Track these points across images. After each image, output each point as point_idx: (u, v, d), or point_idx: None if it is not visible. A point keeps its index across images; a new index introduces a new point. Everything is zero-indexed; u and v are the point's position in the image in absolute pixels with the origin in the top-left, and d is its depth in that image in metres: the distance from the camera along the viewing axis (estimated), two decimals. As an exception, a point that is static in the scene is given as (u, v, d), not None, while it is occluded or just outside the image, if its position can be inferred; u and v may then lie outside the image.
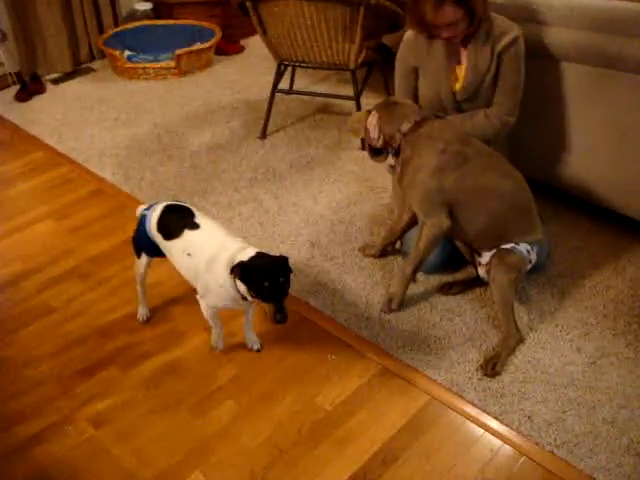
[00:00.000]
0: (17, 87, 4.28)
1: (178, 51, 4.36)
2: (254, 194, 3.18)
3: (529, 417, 2.08)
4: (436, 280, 2.60)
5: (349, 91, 3.59)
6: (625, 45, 2.36)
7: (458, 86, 2.50)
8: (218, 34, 4.62)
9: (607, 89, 2.51)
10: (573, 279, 2.60)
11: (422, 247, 2.37)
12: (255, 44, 4.80)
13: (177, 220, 2.16)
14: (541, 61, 2.61)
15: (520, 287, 2.48)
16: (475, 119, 2.49)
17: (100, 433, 2.07)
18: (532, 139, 2.81)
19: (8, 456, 2.01)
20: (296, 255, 2.76)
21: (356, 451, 2.00)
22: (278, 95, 3.63)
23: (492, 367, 2.21)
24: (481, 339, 2.36)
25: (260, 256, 1.97)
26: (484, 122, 2.48)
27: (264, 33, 3.37)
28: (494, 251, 2.31)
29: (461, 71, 2.49)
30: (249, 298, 1.97)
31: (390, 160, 2.49)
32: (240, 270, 1.92)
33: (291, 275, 1.97)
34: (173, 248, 2.15)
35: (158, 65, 4.40)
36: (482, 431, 2.06)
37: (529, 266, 2.35)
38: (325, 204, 3.09)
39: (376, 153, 2.56)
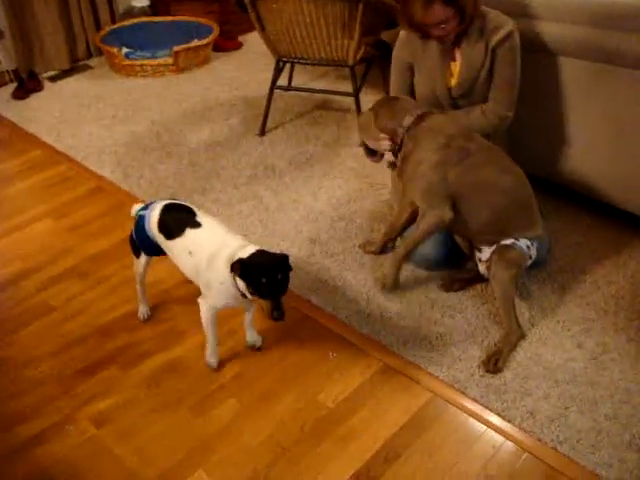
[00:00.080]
0: (14, 85, 4.27)
1: (176, 48, 4.34)
2: (254, 191, 3.17)
3: (531, 413, 2.08)
4: (437, 277, 2.59)
5: (348, 87, 3.58)
6: (623, 40, 2.35)
7: (453, 82, 2.50)
8: (216, 30, 4.61)
9: (605, 84, 2.50)
10: (574, 275, 2.59)
11: (419, 234, 2.37)
12: (253, 40, 4.78)
13: (178, 219, 2.15)
14: (539, 56, 2.61)
15: (521, 283, 2.48)
16: (472, 115, 2.49)
17: (101, 432, 2.07)
18: (532, 135, 2.80)
19: (9, 456, 2.00)
20: (296, 252, 2.75)
21: (358, 448, 2.00)
22: (276, 92, 3.62)
23: (494, 363, 2.21)
24: (483, 335, 2.35)
25: (260, 253, 1.97)
26: (481, 118, 2.48)
27: (262, 30, 3.35)
28: (494, 247, 2.31)
29: (456, 67, 2.49)
30: (248, 296, 1.96)
31: (390, 156, 2.48)
32: (239, 267, 1.91)
33: (290, 273, 1.97)
34: (175, 247, 2.14)
35: (156, 62, 4.38)
36: (484, 428, 2.05)
37: (529, 262, 2.34)
38: (325, 201, 3.08)
39: (372, 152, 2.56)
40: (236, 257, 1.95)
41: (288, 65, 3.81)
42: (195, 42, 4.45)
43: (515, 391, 2.15)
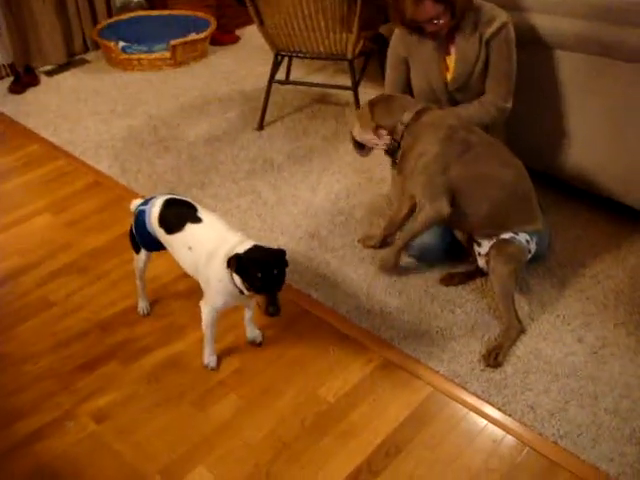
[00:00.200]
0: (10, 79, 4.26)
1: (173, 42, 4.33)
2: (252, 186, 3.16)
3: (532, 408, 2.08)
4: (437, 271, 2.59)
5: (346, 81, 3.57)
6: (622, 33, 2.35)
7: (449, 76, 2.51)
8: (213, 24, 4.59)
9: (604, 78, 2.50)
10: (573, 269, 2.59)
11: (417, 227, 2.38)
12: (250, 34, 4.77)
13: (179, 214, 2.14)
14: (538, 50, 2.61)
15: (520, 277, 2.48)
16: (470, 109, 2.49)
17: (101, 428, 2.06)
18: (530, 128, 2.80)
19: (9, 453, 2.00)
20: (296, 247, 2.75)
21: (359, 443, 1.99)
22: (274, 85, 3.61)
23: (494, 358, 2.21)
24: (483, 330, 2.35)
25: (256, 248, 1.96)
26: (480, 110, 2.48)
27: (261, 24, 3.34)
28: (493, 241, 2.31)
29: (451, 61, 2.49)
30: (245, 292, 1.96)
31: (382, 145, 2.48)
32: (235, 262, 1.91)
33: (287, 268, 1.96)
34: (175, 242, 2.14)
35: (153, 56, 4.36)
36: (485, 422, 2.06)
37: (529, 256, 2.34)
38: (324, 195, 3.07)
39: (360, 146, 2.56)
40: (233, 253, 1.95)
41: (286, 59, 3.79)
42: (192, 36, 4.43)
43: (515, 385, 2.15)
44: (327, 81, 4.00)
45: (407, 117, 2.35)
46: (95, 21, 4.64)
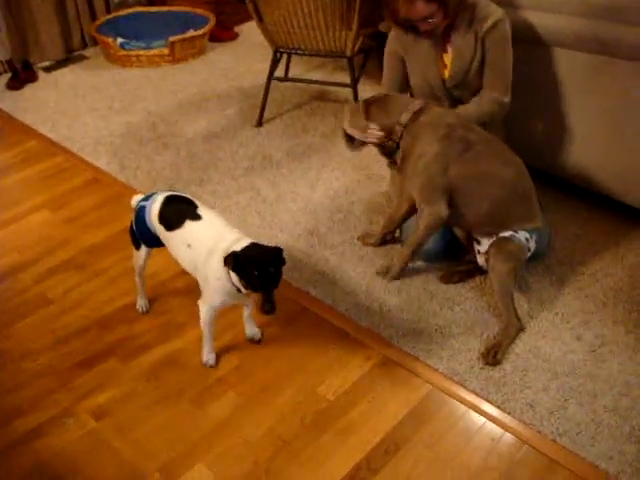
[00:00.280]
0: (8, 75, 4.24)
1: (172, 38, 4.31)
2: (251, 183, 3.16)
3: (531, 405, 2.08)
4: (436, 269, 2.59)
5: (345, 78, 3.57)
6: (621, 32, 2.35)
7: (447, 73, 2.51)
8: (212, 21, 4.58)
9: (603, 76, 2.50)
10: (572, 267, 2.59)
11: (420, 235, 2.39)
12: (249, 30, 4.76)
13: (179, 210, 2.14)
14: (537, 48, 2.61)
15: (519, 275, 2.48)
16: (469, 107, 2.48)
17: (101, 425, 2.06)
18: (530, 127, 2.80)
19: (7, 450, 1.99)
20: (295, 244, 2.75)
21: (359, 441, 1.99)
22: (273, 82, 3.60)
23: (493, 356, 2.21)
24: (482, 328, 2.35)
25: (253, 246, 1.96)
26: (478, 107, 2.47)
27: (260, 21, 3.33)
28: (493, 239, 2.31)
29: (448, 59, 2.50)
30: (242, 289, 1.96)
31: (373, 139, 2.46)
32: (232, 260, 1.91)
33: (283, 267, 1.96)
34: (174, 239, 2.13)
35: (151, 52, 4.35)
36: (484, 420, 2.06)
37: (528, 254, 2.34)
38: (323, 192, 3.07)
39: (351, 140, 2.53)
40: (230, 251, 1.95)
41: (285, 56, 3.78)
42: (191, 32, 4.42)
43: (514, 383, 2.15)
44: (326, 78, 3.99)
45: (405, 118, 2.34)
46: (93, 17, 4.63)
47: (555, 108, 2.68)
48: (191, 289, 2.19)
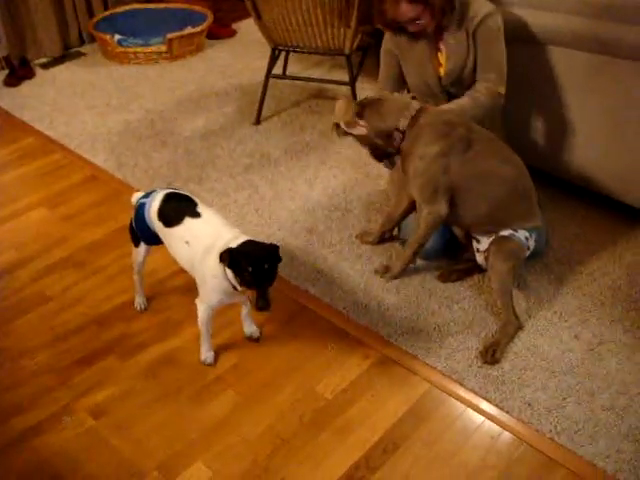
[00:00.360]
0: (6, 72, 4.23)
1: (169, 35, 4.30)
2: (249, 180, 3.15)
3: (529, 404, 2.08)
4: (435, 267, 2.59)
5: (343, 76, 3.57)
6: (621, 31, 2.35)
7: (442, 71, 2.52)
8: (209, 18, 4.56)
9: (603, 76, 2.50)
10: (570, 266, 2.60)
11: (421, 234, 2.39)
12: (247, 28, 4.75)
13: (178, 207, 2.14)
14: (537, 48, 2.60)
15: (518, 274, 2.48)
16: (463, 100, 2.46)
17: (99, 423, 2.06)
18: (529, 126, 2.80)
19: (6, 448, 1.99)
20: (293, 242, 2.74)
21: (357, 440, 2.00)
22: (271, 80, 3.59)
23: (492, 354, 2.21)
24: (480, 326, 2.35)
25: (249, 243, 1.96)
26: (472, 100, 2.44)
27: (258, 18, 3.32)
28: (492, 238, 2.31)
29: (442, 58, 2.51)
30: (238, 287, 1.96)
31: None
32: (228, 256, 1.91)
33: (279, 264, 1.96)
34: (172, 236, 2.13)
35: (149, 49, 4.34)
36: (482, 418, 2.06)
37: (527, 253, 2.35)
38: (321, 190, 3.07)
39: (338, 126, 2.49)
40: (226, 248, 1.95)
41: (283, 53, 3.78)
42: (189, 29, 4.41)
43: (513, 382, 2.15)
44: (324, 76, 3.98)
45: (403, 123, 2.31)
46: (91, 14, 4.61)
47: (555, 108, 2.68)
48: (189, 287, 2.19)
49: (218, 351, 2.27)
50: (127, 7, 4.74)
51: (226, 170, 3.24)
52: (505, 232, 2.29)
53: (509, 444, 1.99)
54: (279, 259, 1.96)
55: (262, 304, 1.90)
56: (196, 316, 2.15)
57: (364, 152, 2.73)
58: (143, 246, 2.28)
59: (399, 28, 2.46)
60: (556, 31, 2.51)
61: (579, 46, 2.49)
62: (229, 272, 1.94)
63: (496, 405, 2.08)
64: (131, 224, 2.27)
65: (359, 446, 1.98)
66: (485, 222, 2.32)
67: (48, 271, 2.65)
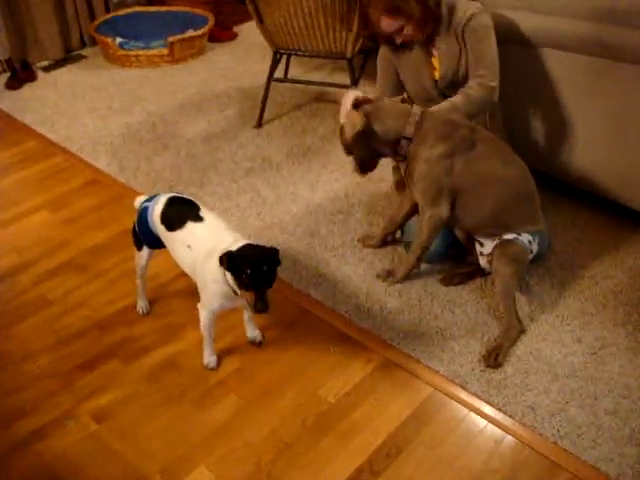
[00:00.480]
0: (7, 75, 4.22)
1: (171, 38, 4.30)
2: (251, 184, 3.15)
3: (532, 408, 2.08)
4: (437, 271, 2.59)
5: (344, 79, 3.57)
6: (625, 35, 2.36)
7: (437, 75, 2.54)
8: (211, 21, 4.57)
9: (606, 79, 2.50)
10: (573, 270, 2.60)
11: (424, 238, 2.39)
12: (248, 31, 4.76)
13: (181, 212, 2.14)
14: (540, 51, 2.61)
15: (521, 278, 2.48)
16: (455, 97, 2.44)
17: (102, 428, 2.05)
18: (532, 129, 2.80)
19: (9, 453, 1.99)
20: (295, 245, 2.75)
21: (361, 444, 2.00)
22: (272, 83, 3.59)
23: (494, 358, 2.21)
24: (482, 330, 2.35)
25: (248, 246, 1.96)
26: (465, 97, 2.42)
27: (260, 22, 3.33)
28: (496, 242, 2.31)
29: (436, 62, 2.53)
30: (238, 292, 1.96)
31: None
32: (227, 259, 1.91)
33: (278, 267, 1.96)
34: (174, 240, 2.13)
35: (150, 52, 4.34)
36: (485, 422, 2.06)
37: (531, 257, 2.35)
38: (323, 194, 3.07)
39: None
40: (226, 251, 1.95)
41: (284, 56, 3.78)
42: (190, 32, 4.41)
43: (515, 386, 2.15)
44: (325, 79, 3.99)
45: (409, 130, 2.29)
46: (92, 17, 4.62)
47: (557, 111, 2.68)
48: (192, 291, 2.19)
49: (221, 355, 2.27)
50: (129, 10, 4.75)
51: (228, 173, 3.24)
52: (509, 236, 2.29)
53: (512, 448, 1.99)
54: (278, 262, 1.96)
55: (261, 306, 1.90)
56: (198, 320, 2.15)
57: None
58: (146, 250, 2.28)
59: (388, 39, 2.50)
60: (560, 35, 2.51)
61: (582, 50, 2.50)
62: (229, 276, 1.94)
63: (499, 409, 2.08)
64: (134, 228, 2.27)
65: (362, 450, 1.98)
66: (488, 225, 2.32)
67: (50, 275, 2.65)
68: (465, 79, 2.49)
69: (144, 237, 2.24)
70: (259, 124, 3.62)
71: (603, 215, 2.84)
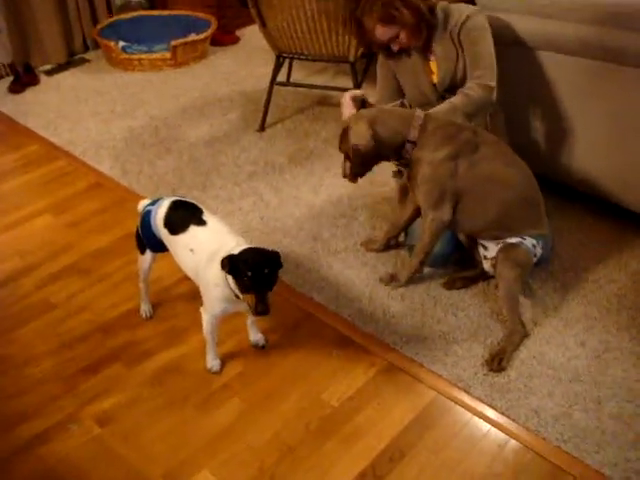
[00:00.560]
0: (10, 79, 4.23)
1: (174, 42, 4.31)
2: (254, 188, 3.16)
3: (536, 412, 2.08)
4: (440, 275, 2.59)
5: (347, 83, 3.57)
6: (627, 39, 2.36)
7: (435, 79, 2.56)
8: (214, 25, 4.57)
9: (609, 83, 2.50)
10: (576, 273, 2.59)
11: (426, 242, 2.39)
12: (250, 34, 4.77)
13: (184, 215, 2.14)
14: (542, 55, 2.61)
15: (525, 282, 2.48)
16: (454, 98, 2.44)
17: (105, 431, 2.05)
18: (534, 132, 2.80)
19: (12, 457, 1.98)
20: (298, 249, 2.74)
21: (364, 448, 1.99)
22: (275, 87, 3.59)
23: (498, 363, 2.21)
24: (485, 334, 2.35)
25: (250, 250, 1.96)
26: (464, 97, 2.42)
27: (263, 25, 3.33)
28: (500, 245, 2.31)
29: (434, 66, 2.55)
30: (240, 295, 1.96)
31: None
32: (228, 262, 1.91)
33: (279, 270, 1.95)
34: (177, 243, 2.14)
35: (153, 56, 4.35)
36: (489, 426, 2.06)
37: (535, 260, 2.35)
38: (326, 198, 3.07)
39: None
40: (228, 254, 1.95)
41: (287, 60, 3.78)
42: (193, 36, 4.42)
43: (519, 390, 2.15)
44: (328, 83, 3.99)
45: (414, 134, 2.29)
46: (95, 20, 4.63)
47: (559, 114, 2.68)
48: (195, 294, 2.19)
49: (224, 359, 2.27)
50: (131, 14, 4.76)
51: (231, 177, 3.24)
52: (513, 239, 2.29)
53: (516, 452, 1.98)
54: (279, 265, 1.96)
55: (261, 308, 1.90)
56: (202, 324, 2.15)
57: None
58: (149, 253, 2.28)
59: (384, 47, 2.53)
60: (562, 38, 2.51)
61: (584, 53, 2.50)
62: (230, 280, 1.94)
63: (502, 413, 2.08)
64: (137, 231, 2.27)
65: (365, 454, 1.97)
66: (492, 227, 2.33)
67: (53, 278, 2.65)
68: (463, 82, 2.50)
69: (147, 241, 2.24)
70: (262, 128, 3.62)
71: (607, 219, 2.84)
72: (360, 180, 3.13)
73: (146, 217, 2.21)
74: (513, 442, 2.01)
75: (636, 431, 2.01)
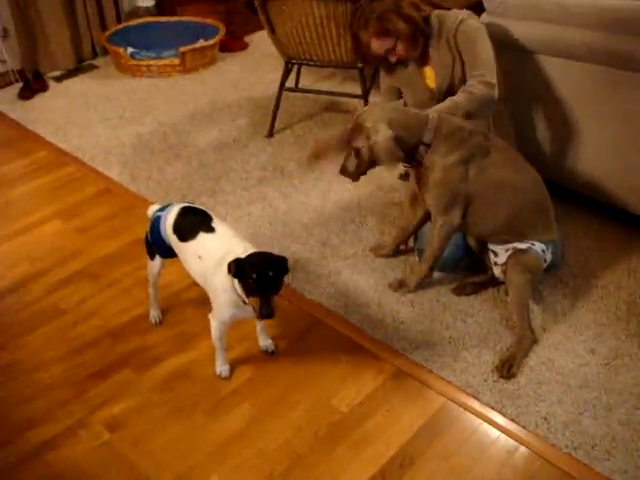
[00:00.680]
0: (20, 85, 4.25)
1: (182, 48, 4.33)
2: (263, 193, 3.16)
3: (545, 419, 2.07)
4: (449, 280, 2.59)
5: (355, 89, 3.58)
6: (634, 44, 2.36)
7: (432, 85, 2.57)
8: (222, 31, 4.59)
9: (618, 89, 2.50)
10: (585, 279, 2.59)
11: (435, 247, 2.39)
12: (259, 40, 4.78)
13: (193, 222, 2.15)
14: (549, 60, 2.61)
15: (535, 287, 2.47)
16: (457, 96, 2.42)
17: (115, 437, 2.06)
18: (543, 139, 2.80)
19: (21, 462, 1.99)
20: (308, 255, 2.75)
21: (373, 454, 1.99)
22: (284, 93, 3.60)
23: (508, 369, 2.21)
24: (495, 340, 2.35)
25: (256, 254, 1.97)
26: (467, 95, 2.40)
27: (272, 32, 3.34)
28: (510, 251, 2.31)
29: (431, 73, 2.57)
30: (246, 300, 1.96)
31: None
32: (235, 266, 1.92)
33: (285, 275, 1.96)
34: (186, 250, 2.14)
35: (162, 62, 4.37)
36: (498, 433, 2.05)
37: (544, 266, 2.34)
38: (335, 203, 3.07)
39: None
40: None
41: (295, 66, 3.79)
42: (201, 42, 4.44)
43: (529, 396, 2.15)
44: (336, 89, 4.00)
45: (428, 137, 2.27)
46: (104, 27, 4.65)
47: (565, 119, 2.68)
48: (204, 300, 2.19)
49: (233, 364, 2.27)
50: (140, 20, 4.78)
51: (239, 183, 3.25)
52: (523, 245, 2.29)
53: (525, 459, 1.98)
54: (285, 269, 1.96)
55: (266, 311, 1.90)
56: (210, 330, 2.15)
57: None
58: (158, 259, 2.29)
59: (382, 59, 2.55)
60: (569, 44, 2.52)
61: (591, 59, 2.50)
62: (237, 285, 1.95)
63: (512, 419, 2.08)
64: (147, 237, 2.28)
65: (375, 461, 1.97)
66: (501, 232, 2.33)
67: (62, 284, 2.66)
68: (460, 87, 2.49)
69: (157, 246, 2.25)
70: (270, 133, 3.63)
71: (615, 225, 2.83)
72: (368, 185, 3.16)
73: (156, 223, 2.21)
74: (523, 449, 2.00)
75: (646, 438, 2.01)
